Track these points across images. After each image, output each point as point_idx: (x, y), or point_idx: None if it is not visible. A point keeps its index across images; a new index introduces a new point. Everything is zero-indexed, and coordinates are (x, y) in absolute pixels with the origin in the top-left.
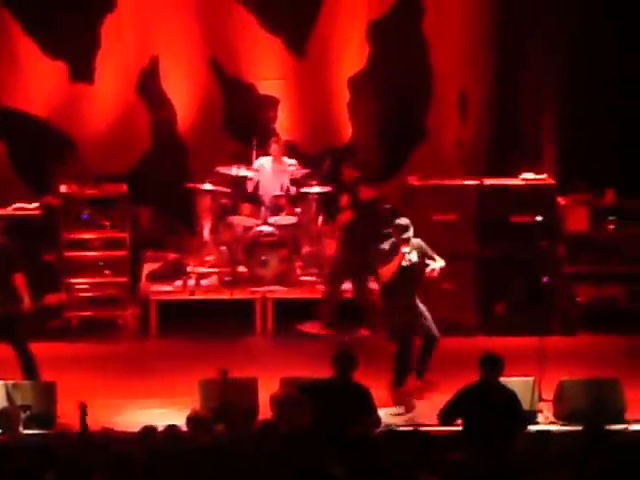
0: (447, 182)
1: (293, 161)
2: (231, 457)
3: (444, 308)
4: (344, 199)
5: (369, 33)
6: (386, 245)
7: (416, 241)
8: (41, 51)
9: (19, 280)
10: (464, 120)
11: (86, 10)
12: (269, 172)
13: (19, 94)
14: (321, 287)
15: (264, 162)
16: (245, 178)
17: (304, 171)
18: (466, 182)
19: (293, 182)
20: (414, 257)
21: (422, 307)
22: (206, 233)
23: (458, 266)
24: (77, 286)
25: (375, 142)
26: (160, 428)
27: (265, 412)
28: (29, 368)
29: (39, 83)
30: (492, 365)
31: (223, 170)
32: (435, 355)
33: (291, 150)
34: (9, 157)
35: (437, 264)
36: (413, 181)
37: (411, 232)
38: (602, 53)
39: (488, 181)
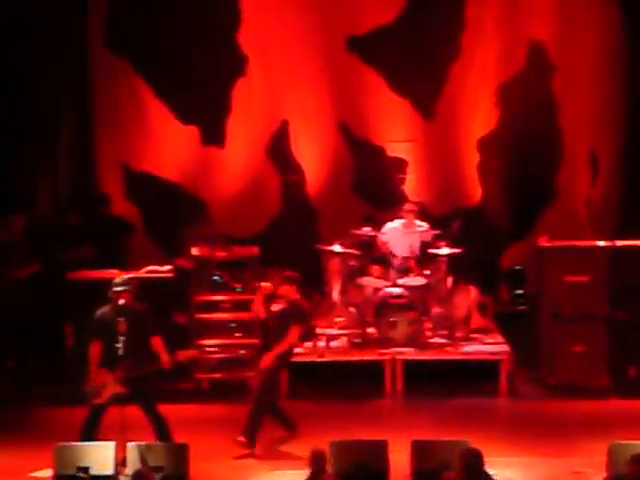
0: (578, 243)
1: (424, 224)
2: None
3: (575, 371)
4: None
5: (498, 94)
6: None
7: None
8: (173, 116)
9: (157, 342)
10: (595, 180)
11: (217, 74)
12: (399, 234)
13: (152, 158)
14: (450, 349)
15: (395, 224)
16: (374, 240)
17: (433, 232)
18: (598, 243)
19: (422, 244)
20: None
21: None
22: (335, 295)
23: (589, 328)
24: (208, 348)
25: (505, 203)
26: None
27: (395, 474)
28: (161, 430)
29: (171, 147)
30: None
31: (353, 232)
32: (564, 418)
33: (420, 211)
34: (142, 221)
35: None
36: (544, 242)
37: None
38: None
39: (620, 242)
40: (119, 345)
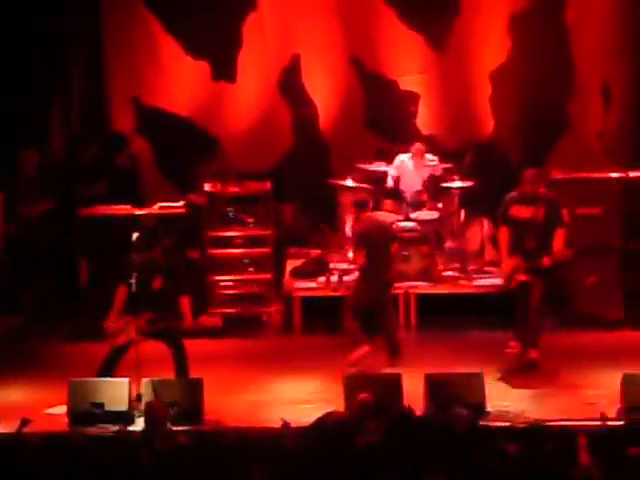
0: (591, 175)
1: (434, 157)
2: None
3: (588, 301)
4: None
5: (510, 26)
6: None
7: None
8: (183, 50)
9: (185, 301)
10: (607, 111)
11: (228, 9)
12: (410, 169)
13: (162, 93)
14: (463, 282)
15: (404, 158)
16: (386, 174)
17: (445, 166)
18: (610, 175)
19: (434, 178)
20: None
21: None
22: (348, 229)
23: (603, 260)
24: (221, 283)
25: (517, 135)
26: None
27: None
28: (180, 364)
29: (182, 82)
30: None
31: (364, 166)
32: (577, 349)
33: (432, 145)
34: (153, 156)
35: None
36: (556, 174)
37: None
38: None
39: (633, 173)
40: (148, 295)
